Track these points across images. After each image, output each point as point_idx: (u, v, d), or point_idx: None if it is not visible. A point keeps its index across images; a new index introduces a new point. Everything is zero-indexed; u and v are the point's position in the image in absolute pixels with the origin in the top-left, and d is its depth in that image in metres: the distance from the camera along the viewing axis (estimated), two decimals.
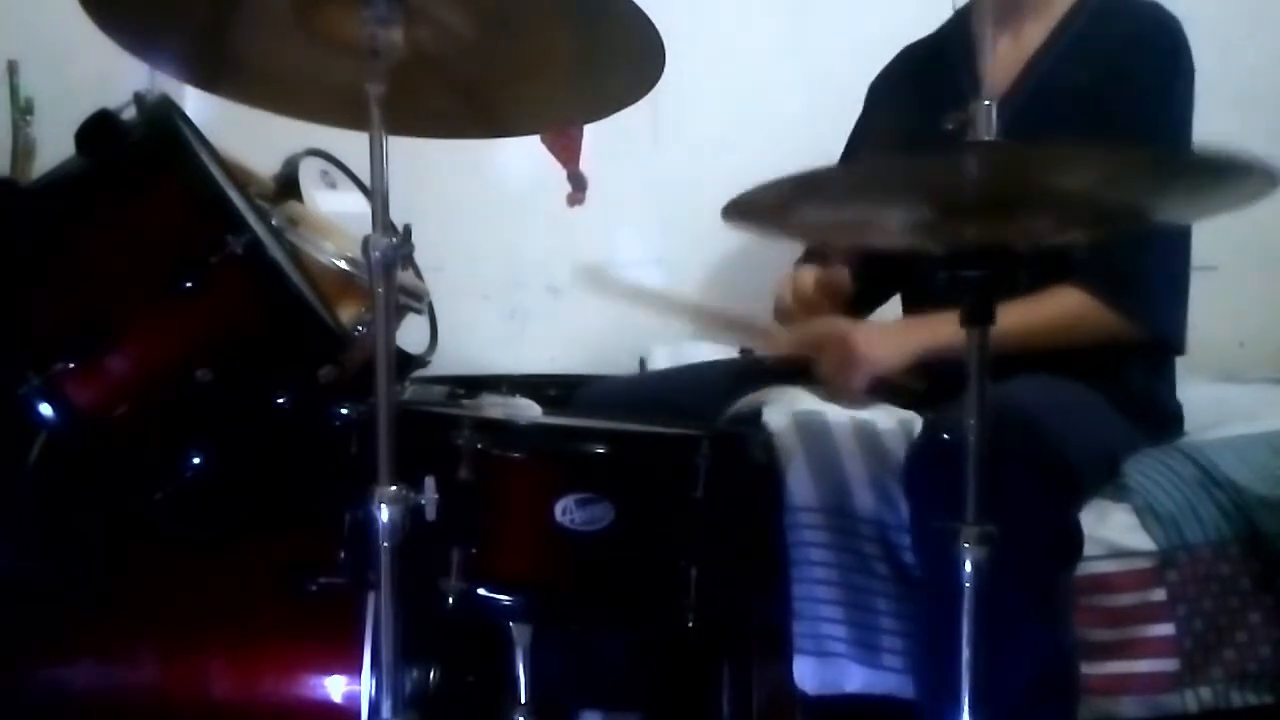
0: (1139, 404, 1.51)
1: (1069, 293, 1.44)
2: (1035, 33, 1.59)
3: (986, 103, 0.96)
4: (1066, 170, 0.92)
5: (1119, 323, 1.45)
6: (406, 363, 1.65)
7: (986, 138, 0.96)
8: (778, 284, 1.65)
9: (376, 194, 1.01)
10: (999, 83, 1.57)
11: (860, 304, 1.67)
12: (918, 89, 1.69)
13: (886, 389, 1.47)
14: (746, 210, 0.97)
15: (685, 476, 1.16)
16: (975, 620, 1.01)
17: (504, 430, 1.21)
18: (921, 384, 1.47)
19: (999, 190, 0.94)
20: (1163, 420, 1.56)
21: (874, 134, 1.75)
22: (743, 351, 2.12)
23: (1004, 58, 1.59)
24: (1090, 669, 1.31)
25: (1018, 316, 1.33)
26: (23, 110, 1.88)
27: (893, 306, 1.80)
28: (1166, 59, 1.49)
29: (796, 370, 1.54)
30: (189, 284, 1.26)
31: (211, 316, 1.29)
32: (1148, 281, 1.46)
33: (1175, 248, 1.49)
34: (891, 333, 1.51)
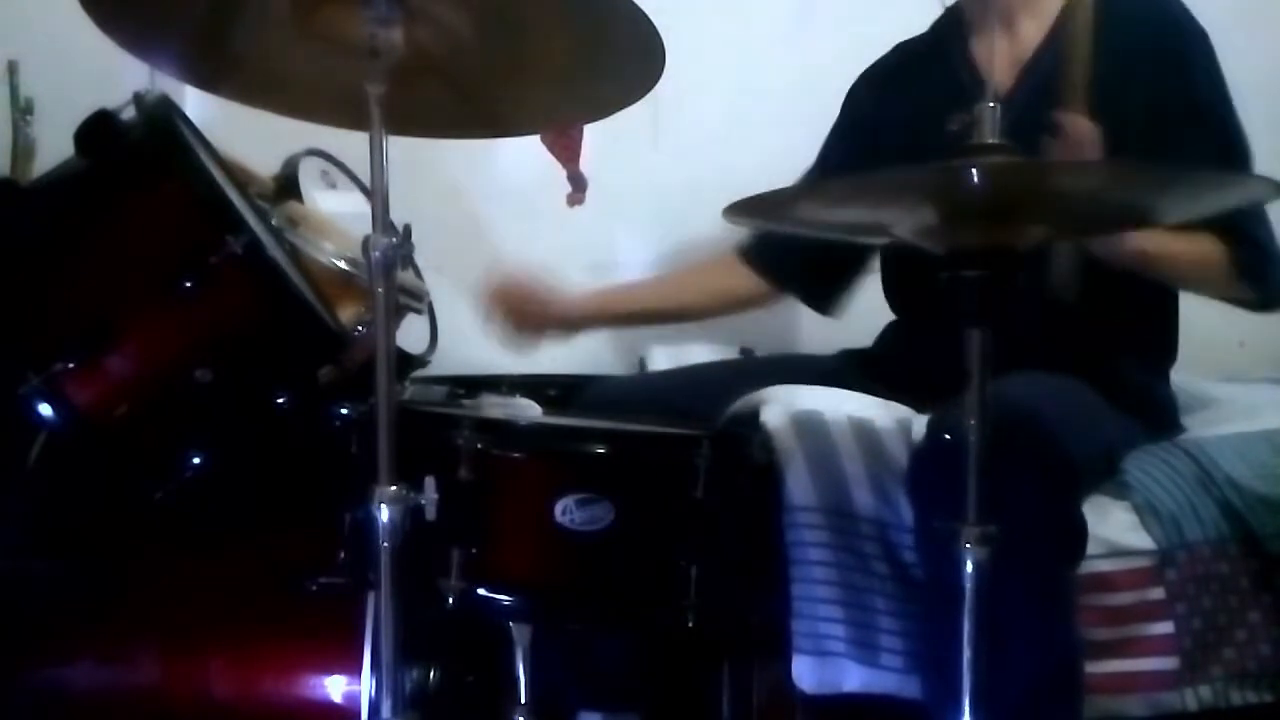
0: (1135, 398, 1.51)
1: (1207, 238, 1.44)
2: (1032, 30, 1.58)
3: (991, 105, 0.96)
4: (1069, 177, 0.92)
5: (1237, 283, 1.46)
6: (406, 363, 1.65)
7: (990, 140, 0.96)
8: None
9: (376, 194, 1.01)
10: (998, 82, 1.56)
11: (821, 292, 1.74)
12: (912, 88, 1.68)
13: None
14: (748, 207, 0.98)
15: (685, 476, 1.16)
16: (979, 620, 1.01)
17: (504, 430, 1.21)
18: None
19: (1004, 194, 0.94)
20: (1158, 413, 1.57)
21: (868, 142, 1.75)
22: (743, 351, 2.13)
23: (1001, 56, 1.58)
24: (1089, 668, 1.31)
25: (1158, 240, 1.37)
26: (23, 110, 1.88)
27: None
28: (1185, 47, 1.49)
29: (799, 372, 1.55)
30: (189, 284, 1.26)
31: (211, 316, 1.29)
32: (1271, 251, 1.47)
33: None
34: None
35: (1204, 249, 1.44)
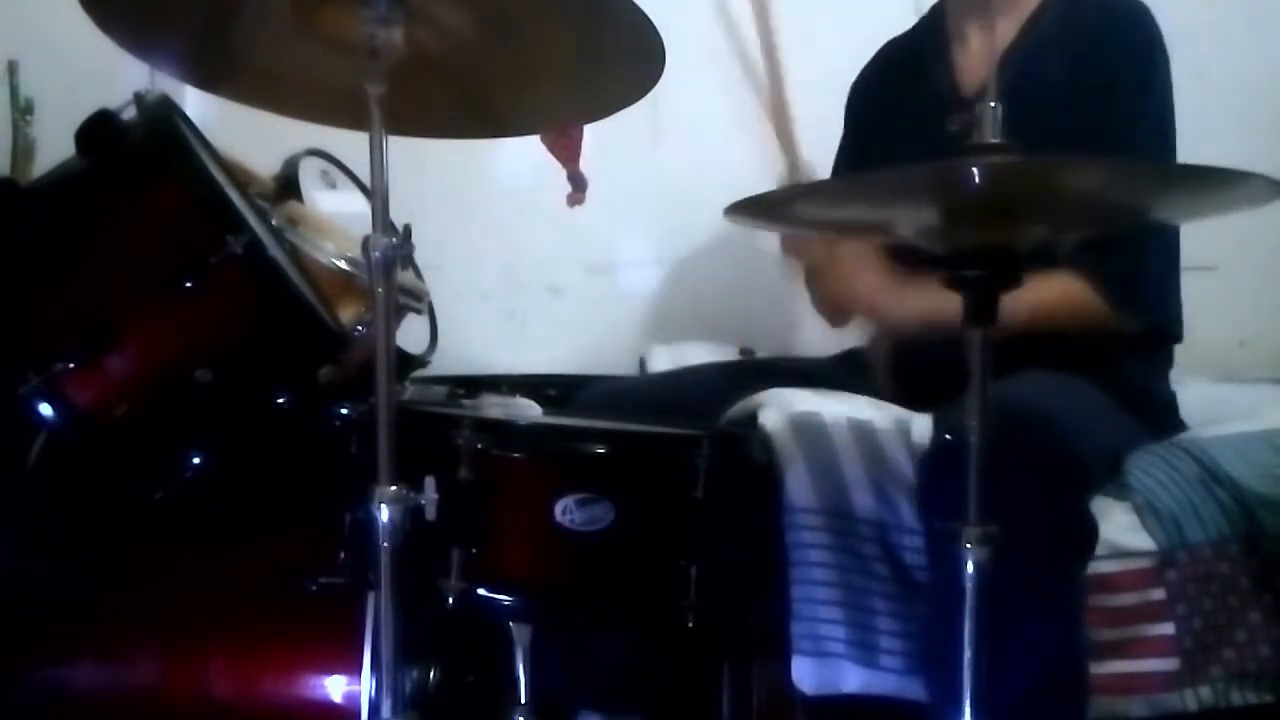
0: (1137, 397, 1.51)
1: (1068, 279, 1.44)
2: (1007, 28, 1.57)
3: (992, 104, 0.96)
4: (1071, 175, 0.92)
5: (1114, 314, 1.45)
6: (406, 363, 1.66)
7: (991, 140, 0.96)
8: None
9: (376, 194, 1.01)
10: (973, 79, 1.57)
11: None
12: (896, 86, 1.69)
13: (863, 364, 1.47)
14: (748, 207, 0.98)
15: (685, 476, 1.15)
16: (984, 622, 1.00)
17: (504, 430, 1.21)
18: (890, 388, 1.47)
19: (1003, 194, 0.94)
20: (1159, 412, 1.57)
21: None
22: (743, 352, 2.13)
23: (976, 54, 1.58)
24: (1090, 668, 1.31)
25: (1015, 297, 1.35)
26: (23, 110, 1.88)
27: None
28: (1141, 51, 1.48)
29: (798, 375, 1.55)
30: (189, 284, 1.26)
31: (211, 316, 1.29)
32: (1143, 274, 1.47)
33: (1167, 238, 1.50)
34: (899, 287, 1.48)
35: (1063, 289, 1.44)
